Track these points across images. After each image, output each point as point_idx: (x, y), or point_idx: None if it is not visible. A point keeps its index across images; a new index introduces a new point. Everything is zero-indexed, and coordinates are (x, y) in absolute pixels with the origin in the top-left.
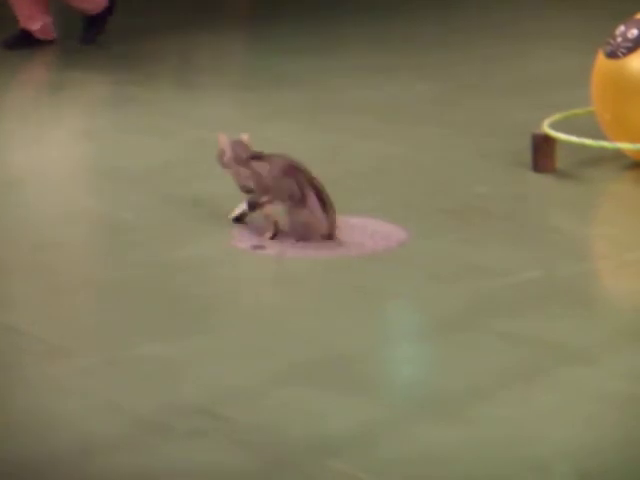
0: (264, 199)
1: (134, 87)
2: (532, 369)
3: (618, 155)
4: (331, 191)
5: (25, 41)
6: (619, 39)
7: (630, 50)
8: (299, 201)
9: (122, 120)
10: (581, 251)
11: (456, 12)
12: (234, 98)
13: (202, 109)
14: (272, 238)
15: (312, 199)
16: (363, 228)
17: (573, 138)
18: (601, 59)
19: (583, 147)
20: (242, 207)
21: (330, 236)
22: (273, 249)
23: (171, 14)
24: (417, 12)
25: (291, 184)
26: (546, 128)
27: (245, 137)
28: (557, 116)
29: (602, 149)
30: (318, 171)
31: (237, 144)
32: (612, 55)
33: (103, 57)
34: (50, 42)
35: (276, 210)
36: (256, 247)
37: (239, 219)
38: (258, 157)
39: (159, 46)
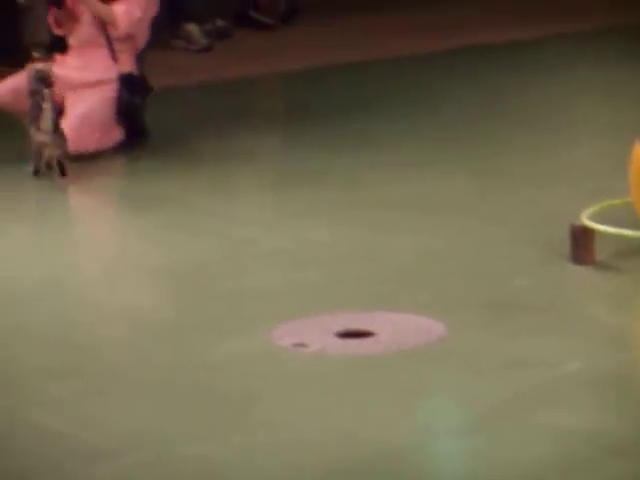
0: None
1: (173, 187)
2: (575, 461)
3: None
4: (370, 288)
5: None
6: None
7: None
8: None
9: (162, 220)
10: (622, 342)
11: (485, 105)
12: (269, 196)
13: (239, 208)
14: None
15: None
16: (403, 324)
17: (612, 229)
18: (638, 149)
19: (622, 238)
20: None
21: None
22: (314, 346)
23: (207, 114)
24: (447, 107)
25: None
26: (584, 219)
27: None
28: (595, 207)
29: None
30: (357, 268)
31: None
32: None
33: (141, 157)
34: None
35: None
36: (296, 345)
37: None
38: None
39: (196, 146)
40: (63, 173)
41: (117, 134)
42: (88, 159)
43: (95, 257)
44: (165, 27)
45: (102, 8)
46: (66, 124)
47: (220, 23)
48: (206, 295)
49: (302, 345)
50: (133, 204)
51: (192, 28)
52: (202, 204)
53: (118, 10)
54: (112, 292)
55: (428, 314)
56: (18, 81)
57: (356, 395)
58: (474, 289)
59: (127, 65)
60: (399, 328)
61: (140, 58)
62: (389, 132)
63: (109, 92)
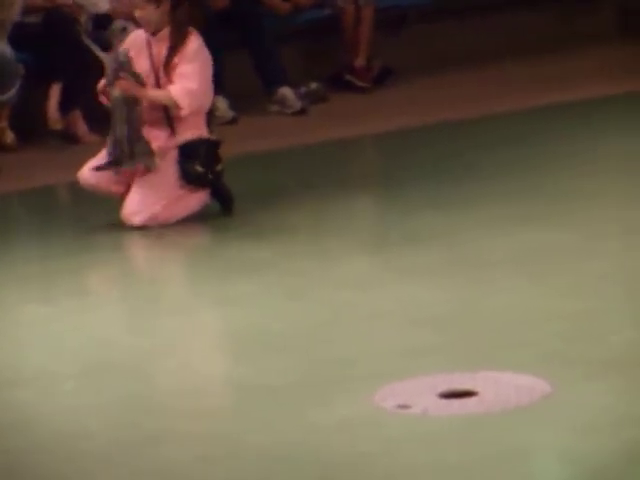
0: None
1: (268, 251)
2: None
3: None
4: (472, 347)
5: None
6: None
7: None
8: None
9: (259, 285)
10: None
11: (581, 160)
12: (367, 257)
13: (336, 270)
14: None
15: None
16: (506, 382)
17: None
18: None
19: None
20: None
21: None
22: (417, 408)
23: (302, 176)
24: (544, 165)
25: None
26: None
27: None
28: None
29: None
30: (459, 327)
31: None
32: None
33: (238, 222)
34: None
35: None
36: (400, 406)
37: None
38: None
39: (291, 209)
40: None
41: (195, 202)
42: (177, 228)
43: (194, 325)
44: (260, 91)
45: (160, 95)
46: (131, 204)
47: (314, 86)
48: (309, 359)
49: (405, 407)
50: (228, 270)
51: (287, 91)
52: (299, 267)
53: (175, 91)
54: (214, 359)
55: (531, 372)
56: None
57: (460, 456)
58: (579, 344)
59: (185, 134)
60: (502, 387)
61: (208, 119)
62: (486, 189)
63: (170, 162)
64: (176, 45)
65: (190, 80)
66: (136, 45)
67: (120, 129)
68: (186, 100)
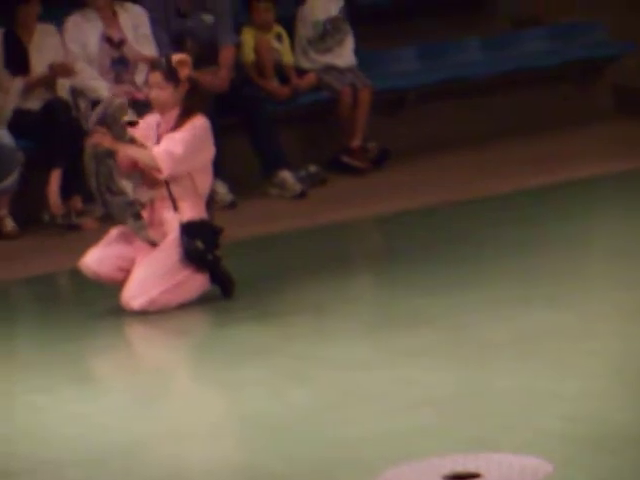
0: None
1: (272, 335)
2: None
3: None
4: (476, 427)
5: None
6: None
7: None
8: None
9: (265, 368)
10: None
11: (580, 240)
12: (371, 338)
13: (340, 352)
14: None
15: None
16: (509, 464)
17: None
18: None
19: None
20: None
21: None
22: None
23: (303, 259)
24: (544, 246)
25: None
26: None
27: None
28: None
29: None
30: (462, 409)
31: None
32: None
33: (239, 305)
34: None
35: None
36: None
37: None
38: None
39: (293, 292)
40: None
41: (194, 287)
42: (178, 312)
43: (197, 410)
44: (259, 175)
45: (141, 153)
46: (130, 288)
47: (313, 169)
48: (313, 442)
49: None
50: (231, 354)
51: (286, 175)
52: (302, 350)
53: (157, 152)
54: (218, 445)
55: (534, 452)
56: (102, 251)
57: None
58: (579, 425)
59: (187, 213)
60: (505, 468)
61: (208, 204)
62: (487, 270)
63: (171, 243)
64: (180, 125)
65: (176, 145)
66: (148, 126)
67: (90, 182)
68: (168, 163)
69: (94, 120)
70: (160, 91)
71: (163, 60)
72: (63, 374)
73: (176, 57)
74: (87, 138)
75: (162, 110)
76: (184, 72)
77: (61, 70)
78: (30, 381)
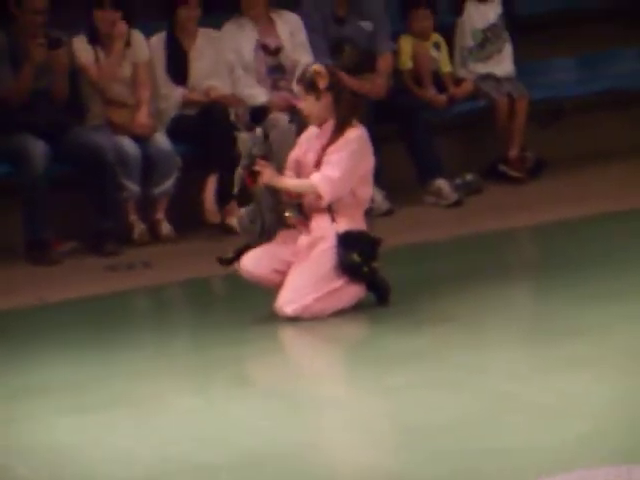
0: None
1: (425, 342)
2: None
3: None
4: (632, 441)
5: None
6: None
7: None
8: None
9: (419, 376)
10: None
11: None
12: (524, 348)
13: (495, 361)
14: None
15: None
16: None
17: None
18: None
19: None
20: None
21: None
22: None
23: (459, 268)
24: None
25: None
26: None
27: None
28: None
29: None
30: (618, 421)
31: None
32: None
33: (394, 312)
34: None
35: None
36: None
37: None
38: None
39: (447, 300)
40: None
41: (349, 296)
42: (331, 318)
43: (350, 417)
44: (415, 183)
45: (301, 184)
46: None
47: (469, 177)
48: (465, 451)
49: None
50: (385, 361)
51: (442, 183)
52: (457, 358)
53: (316, 180)
54: (368, 453)
55: None
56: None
57: None
58: None
59: (345, 224)
60: None
61: (367, 213)
62: None
63: (327, 252)
64: (336, 137)
65: (333, 168)
66: (309, 139)
67: (269, 218)
68: (327, 188)
69: (246, 154)
70: (303, 102)
71: (304, 72)
72: (219, 377)
73: (313, 68)
74: (244, 171)
75: (313, 121)
76: (322, 83)
77: (227, 101)
78: (186, 384)
